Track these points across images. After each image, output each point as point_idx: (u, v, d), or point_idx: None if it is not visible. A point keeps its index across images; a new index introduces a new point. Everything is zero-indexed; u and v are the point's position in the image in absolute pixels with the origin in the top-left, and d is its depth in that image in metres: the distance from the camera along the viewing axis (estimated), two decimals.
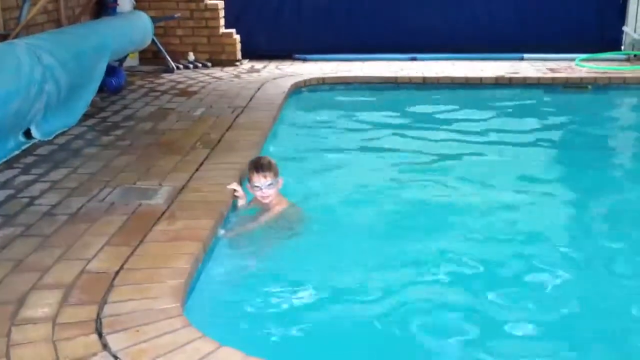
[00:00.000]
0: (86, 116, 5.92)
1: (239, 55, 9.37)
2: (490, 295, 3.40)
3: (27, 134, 4.68)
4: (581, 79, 8.03)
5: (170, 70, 8.82)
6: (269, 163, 4.17)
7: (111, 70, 7.09)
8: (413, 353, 2.99)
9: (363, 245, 3.92)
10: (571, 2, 9.35)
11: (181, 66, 9.04)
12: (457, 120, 6.86)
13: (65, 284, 3.11)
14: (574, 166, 5.58)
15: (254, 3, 9.69)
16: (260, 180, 4.10)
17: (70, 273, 3.21)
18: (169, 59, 8.89)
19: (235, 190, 4.31)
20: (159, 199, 4.17)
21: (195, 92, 7.54)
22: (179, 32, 9.30)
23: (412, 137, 6.32)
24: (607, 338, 3.10)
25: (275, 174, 4.15)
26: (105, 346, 2.62)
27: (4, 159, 4.58)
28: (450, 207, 4.50)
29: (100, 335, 2.70)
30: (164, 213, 3.95)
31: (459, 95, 7.90)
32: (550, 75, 8.20)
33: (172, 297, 2.97)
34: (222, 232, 3.92)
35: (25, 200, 4.23)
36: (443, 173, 5.26)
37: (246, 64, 9.35)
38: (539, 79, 8.10)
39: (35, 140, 4.86)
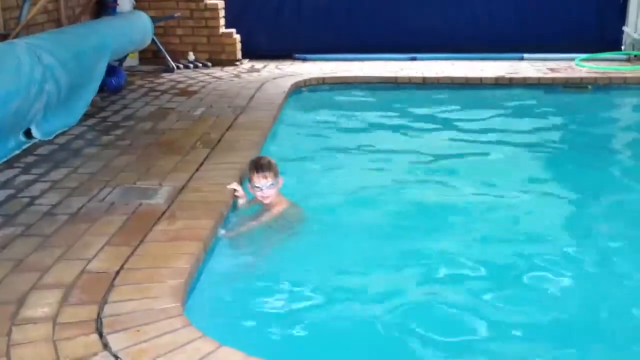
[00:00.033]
0: (86, 116, 5.92)
1: (239, 55, 9.36)
2: (491, 295, 3.40)
3: (28, 133, 4.69)
4: (581, 79, 8.02)
5: (170, 70, 8.82)
6: (269, 163, 4.17)
7: (111, 70, 7.10)
8: (413, 353, 2.98)
9: (363, 245, 3.91)
10: (571, 2, 9.34)
11: (181, 66, 9.04)
12: (457, 120, 6.85)
13: (65, 283, 3.11)
14: (574, 166, 5.57)
15: (254, 3, 9.68)
16: (261, 181, 4.10)
17: (70, 273, 3.21)
18: (169, 58, 8.89)
19: (235, 190, 4.31)
20: (159, 199, 4.17)
21: (195, 92, 7.54)
22: (179, 31, 9.30)
23: (412, 137, 6.33)
24: (608, 338, 3.10)
25: (276, 174, 4.15)
26: (105, 346, 2.62)
27: (5, 159, 4.58)
28: (450, 207, 4.49)
29: (100, 335, 2.70)
30: (164, 213, 3.95)
31: (459, 95, 7.88)
32: (550, 75, 8.19)
33: (172, 297, 2.97)
34: (222, 232, 3.92)
35: (26, 200, 4.24)
36: (443, 173, 5.26)
37: (246, 64, 9.34)
38: (539, 79, 8.09)
39: (36, 140, 4.86)
